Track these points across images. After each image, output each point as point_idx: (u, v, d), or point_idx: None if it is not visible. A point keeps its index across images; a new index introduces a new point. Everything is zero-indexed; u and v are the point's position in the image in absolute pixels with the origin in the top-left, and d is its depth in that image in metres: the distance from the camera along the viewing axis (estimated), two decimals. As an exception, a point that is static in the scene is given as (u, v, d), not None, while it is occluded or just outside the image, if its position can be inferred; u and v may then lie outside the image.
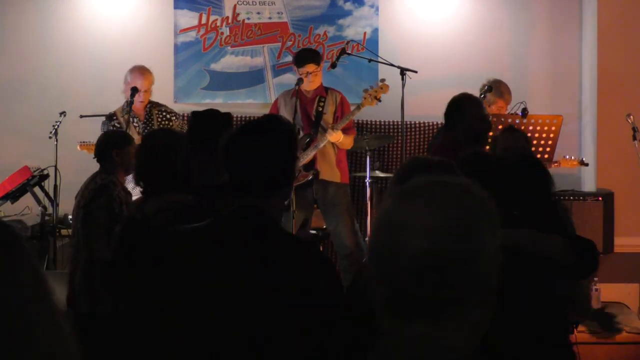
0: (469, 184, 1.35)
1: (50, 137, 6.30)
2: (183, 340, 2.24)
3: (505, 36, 7.24)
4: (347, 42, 6.63)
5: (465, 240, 1.29)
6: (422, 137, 7.05)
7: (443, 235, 1.28)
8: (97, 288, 4.24)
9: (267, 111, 6.36)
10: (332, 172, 6.20)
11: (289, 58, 6.93)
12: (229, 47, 7.19)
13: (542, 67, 7.23)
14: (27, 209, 6.58)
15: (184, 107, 6.92)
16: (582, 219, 5.93)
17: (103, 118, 6.17)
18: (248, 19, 7.18)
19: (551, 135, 5.74)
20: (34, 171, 6.24)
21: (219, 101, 7.10)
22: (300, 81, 6.13)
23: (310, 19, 7.19)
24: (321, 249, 6.40)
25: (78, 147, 6.31)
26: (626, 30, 6.80)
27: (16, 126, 7.10)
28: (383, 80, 6.16)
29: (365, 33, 7.18)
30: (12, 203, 6.34)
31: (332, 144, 6.16)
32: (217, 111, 3.76)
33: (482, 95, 5.89)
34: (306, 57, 6.19)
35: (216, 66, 7.20)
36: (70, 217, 5.23)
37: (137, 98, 6.07)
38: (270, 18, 7.19)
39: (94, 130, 6.00)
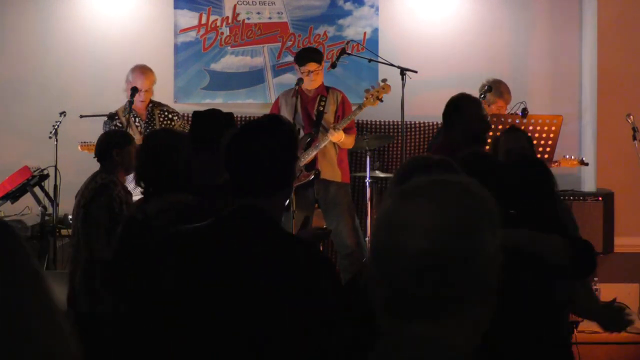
0: (469, 182, 1.35)
1: (50, 137, 6.29)
2: (184, 340, 2.24)
3: (505, 36, 7.24)
4: (347, 42, 6.62)
5: (466, 238, 1.29)
6: (422, 137, 7.05)
7: (443, 234, 1.28)
8: (97, 288, 4.24)
9: (267, 111, 6.35)
10: (333, 171, 6.20)
11: (289, 58, 6.94)
12: (229, 47, 7.19)
13: (542, 67, 7.23)
14: (27, 209, 6.57)
15: (184, 107, 6.91)
16: (582, 219, 5.92)
17: (104, 118, 6.17)
18: (248, 19, 7.18)
19: (551, 135, 5.74)
20: (34, 171, 6.24)
21: (219, 101, 7.09)
22: (300, 81, 6.13)
23: (310, 19, 7.18)
24: (321, 248, 6.40)
25: (79, 148, 6.31)
26: (626, 30, 6.80)
27: (16, 126, 7.10)
28: (385, 80, 6.15)
29: (365, 33, 7.18)
30: (12, 203, 6.34)
31: (333, 143, 6.15)
32: (219, 111, 3.74)
33: (482, 95, 5.88)
34: (308, 55, 6.19)
35: (216, 66, 7.20)
36: (70, 217, 5.23)
37: (138, 98, 6.07)
38: (270, 18, 7.19)
39: (94, 130, 5.99)
